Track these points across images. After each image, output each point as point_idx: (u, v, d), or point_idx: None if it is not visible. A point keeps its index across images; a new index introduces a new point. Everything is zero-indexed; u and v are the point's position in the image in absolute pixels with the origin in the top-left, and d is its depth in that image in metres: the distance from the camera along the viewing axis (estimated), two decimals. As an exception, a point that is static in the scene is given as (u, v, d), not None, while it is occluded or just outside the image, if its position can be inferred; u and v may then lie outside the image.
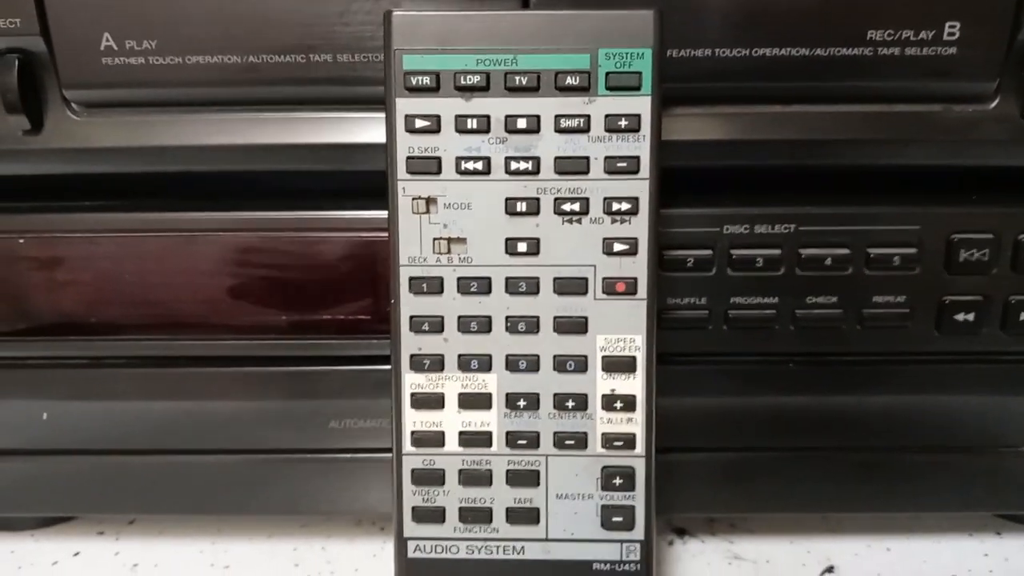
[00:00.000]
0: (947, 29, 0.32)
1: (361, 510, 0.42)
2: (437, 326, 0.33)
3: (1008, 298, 0.36)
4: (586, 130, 0.31)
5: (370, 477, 0.40)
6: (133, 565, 0.42)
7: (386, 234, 0.33)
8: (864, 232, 0.35)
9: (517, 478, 0.34)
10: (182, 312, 0.38)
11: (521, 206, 0.32)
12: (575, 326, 0.33)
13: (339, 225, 0.36)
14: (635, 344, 0.33)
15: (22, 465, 0.40)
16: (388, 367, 0.34)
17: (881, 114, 0.34)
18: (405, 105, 0.31)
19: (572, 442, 0.34)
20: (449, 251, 0.33)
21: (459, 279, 0.33)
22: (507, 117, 0.31)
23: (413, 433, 0.34)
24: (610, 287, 0.33)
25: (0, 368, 0.39)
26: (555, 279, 0.33)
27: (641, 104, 0.31)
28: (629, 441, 0.34)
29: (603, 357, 0.33)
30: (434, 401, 0.34)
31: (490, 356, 0.33)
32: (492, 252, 0.32)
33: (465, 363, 0.33)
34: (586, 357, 0.33)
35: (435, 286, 0.33)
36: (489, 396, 0.34)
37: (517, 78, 0.31)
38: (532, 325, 0.33)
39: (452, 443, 0.34)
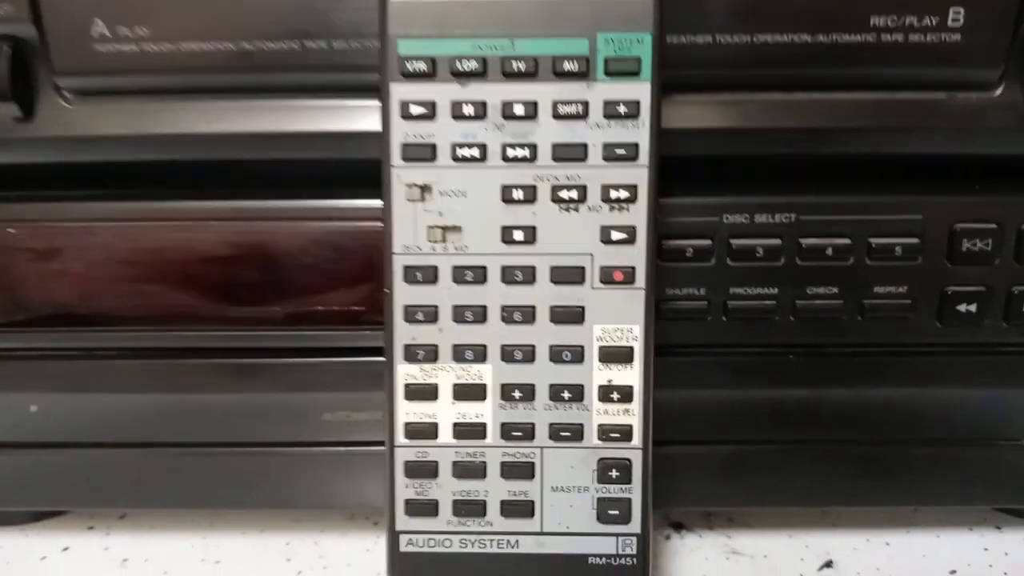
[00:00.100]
0: (951, 15, 0.32)
1: (355, 504, 0.42)
2: (431, 316, 0.33)
3: (1011, 289, 0.36)
4: (584, 116, 0.31)
5: (364, 470, 0.39)
6: (123, 560, 0.42)
7: (381, 223, 0.32)
8: (865, 222, 0.35)
9: (512, 470, 0.34)
10: (173, 303, 0.37)
11: (518, 194, 0.32)
12: (572, 316, 0.33)
13: (334, 214, 0.36)
14: (632, 334, 0.33)
15: (10, 459, 0.40)
16: (382, 358, 0.33)
17: (884, 102, 0.34)
18: (400, 91, 0.31)
19: (568, 434, 0.33)
20: (444, 239, 0.32)
21: (454, 268, 0.32)
22: (504, 103, 0.31)
23: (406, 425, 0.34)
24: (608, 276, 0.32)
25: (-12, 359, 0.39)
26: (552, 268, 0.32)
27: (640, 90, 0.31)
28: (626, 433, 0.33)
29: (600, 347, 0.33)
30: (428, 392, 0.33)
31: (485, 346, 0.33)
32: (488, 240, 0.32)
33: (460, 354, 0.33)
34: (583, 347, 0.33)
35: (430, 275, 0.32)
36: (484, 387, 0.33)
37: (514, 63, 0.31)
38: (528, 315, 0.33)
39: (446, 435, 0.34)
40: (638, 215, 0.32)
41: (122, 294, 0.37)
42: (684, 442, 0.39)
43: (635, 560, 0.34)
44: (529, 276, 0.32)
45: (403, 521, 0.34)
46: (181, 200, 0.36)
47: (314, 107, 0.34)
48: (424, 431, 0.34)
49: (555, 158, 0.31)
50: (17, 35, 0.33)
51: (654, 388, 0.33)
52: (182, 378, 0.39)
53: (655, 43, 0.30)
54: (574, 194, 0.32)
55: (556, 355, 0.33)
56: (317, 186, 0.36)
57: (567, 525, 0.34)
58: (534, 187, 0.32)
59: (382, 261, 0.33)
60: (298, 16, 0.33)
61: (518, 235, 0.32)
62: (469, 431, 0.34)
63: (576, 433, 0.33)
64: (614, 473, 0.34)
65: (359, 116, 0.34)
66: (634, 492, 0.34)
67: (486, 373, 0.33)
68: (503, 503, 0.34)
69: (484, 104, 0.31)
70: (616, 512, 0.34)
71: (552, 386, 0.33)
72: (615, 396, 0.33)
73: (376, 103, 0.32)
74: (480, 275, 0.32)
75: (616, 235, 0.32)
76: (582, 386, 0.33)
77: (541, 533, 0.34)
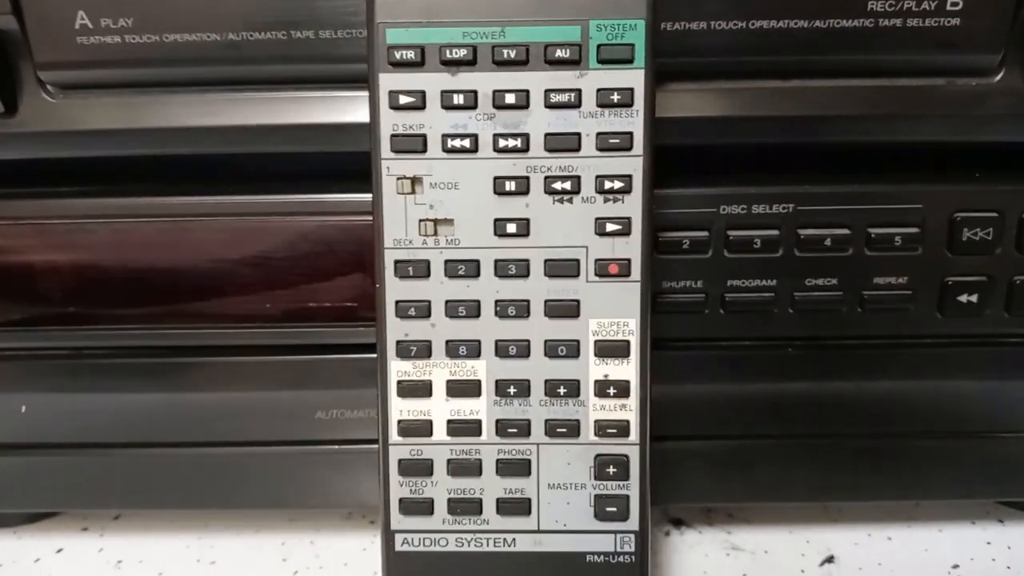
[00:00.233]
0: (950, -1, 0.31)
1: (350, 503, 0.42)
2: (424, 311, 0.32)
3: (1012, 278, 0.35)
4: (577, 105, 0.30)
5: (359, 469, 0.39)
6: (117, 562, 0.42)
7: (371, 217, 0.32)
8: (865, 211, 0.35)
9: (508, 468, 0.33)
10: (164, 301, 0.37)
11: (510, 185, 0.31)
12: (567, 310, 0.32)
13: (324, 209, 0.36)
14: (629, 328, 0.32)
15: (1, 460, 0.40)
16: (375, 355, 0.33)
17: (882, 88, 0.33)
18: (389, 81, 0.30)
19: (564, 430, 0.33)
20: (436, 233, 0.32)
21: (446, 262, 0.32)
22: (495, 92, 0.30)
23: (400, 422, 0.33)
24: (603, 269, 0.32)
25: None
26: (546, 261, 0.32)
27: (634, 78, 0.30)
28: (623, 428, 0.33)
29: (596, 342, 0.32)
30: (421, 389, 0.33)
31: (479, 342, 0.32)
32: (480, 234, 0.32)
33: (453, 349, 0.33)
34: (578, 342, 0.32)
35: (421, 270, 0.32)
36: (478, 383, 0.33)
37: (505, 51, 0.30)
38: (522, 309, 0.32)
39: (440, 432, 0.33)
40: (633, 206, 0.31)
41: (112, 292, 0.37)
42: (682, 437, 0.38)
43: (633, 557, 0.34)
44: (523, 270, 0.32)
45: (398, 520, 0.34)
46: (168, 196, 0.36)
47: (302, 99, 0.34)
48: (418, 428, 0.33)
49: (548, 148, 0.31)
50: (-2, 28, 0.33)
51: (651, 383, 0.33)
52: (173, 377, 0.38)
53: (648, 30, 0.30)
54: (567, 185, 0.31)
55: (551, 350, 0.32)
56: (308, 181, 0.36)
57: (564, 523, 0.34)
58: (527, 178, 0.31)
59: (373, 256, 0.32)
60: (284, 5, 0.32)
61: (511, 228, 0.31)
62: (464, 428, 0.33)
63: (572, 429, 0.33)
64: (611, 469, 0.33)
65: (347, 107, 0.34)
66: (632, 489, 0.33)
67: (480, 369, 0.33)
68: (499, 501, 0.34)
69: (475, 93, 0.30)
70: (614, 509, 0.33)
71: (547, 381, 0.33)
72: (612, 391, 0.33)
73: (365, 93, 0.31)
74: (473, 269, 0.32)
75: (611, 227, 0.31)
76: (578, 381, 0.33)
77: (538, 531, 0.34)
